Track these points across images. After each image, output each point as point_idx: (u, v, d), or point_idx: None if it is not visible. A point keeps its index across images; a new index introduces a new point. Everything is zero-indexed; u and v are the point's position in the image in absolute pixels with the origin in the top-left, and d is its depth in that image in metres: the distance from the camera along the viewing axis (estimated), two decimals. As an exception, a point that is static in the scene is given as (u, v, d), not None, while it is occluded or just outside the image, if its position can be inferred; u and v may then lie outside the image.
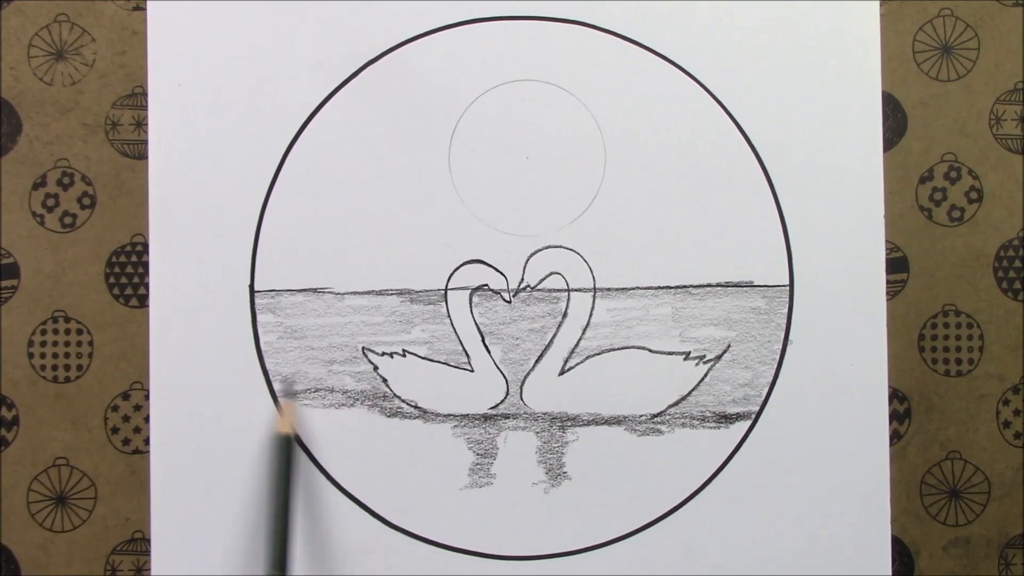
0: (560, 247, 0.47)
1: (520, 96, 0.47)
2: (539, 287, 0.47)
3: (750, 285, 0.47)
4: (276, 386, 0.46)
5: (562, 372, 0.47)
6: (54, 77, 0.48)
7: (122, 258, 0.47)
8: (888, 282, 0.47)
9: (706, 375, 0.47)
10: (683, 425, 0.47)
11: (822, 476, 0.46)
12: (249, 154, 0.47)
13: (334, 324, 0.47)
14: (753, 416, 0.47)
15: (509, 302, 0.47)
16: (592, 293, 0.47)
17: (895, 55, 0.48)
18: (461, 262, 0.47)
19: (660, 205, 0.47)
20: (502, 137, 0.47)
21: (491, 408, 0.47)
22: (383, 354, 0.47)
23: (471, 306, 0.47)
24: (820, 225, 0.47)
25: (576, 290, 0.47)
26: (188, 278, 0.47)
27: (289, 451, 0.45)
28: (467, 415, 0.47)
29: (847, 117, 0.47)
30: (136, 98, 0.48)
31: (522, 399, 0.47)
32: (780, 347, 0.47)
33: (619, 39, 0.47)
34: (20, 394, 0.47)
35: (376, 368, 0.47)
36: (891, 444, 0.47)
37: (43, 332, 0.47)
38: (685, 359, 0.47)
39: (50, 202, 0.48)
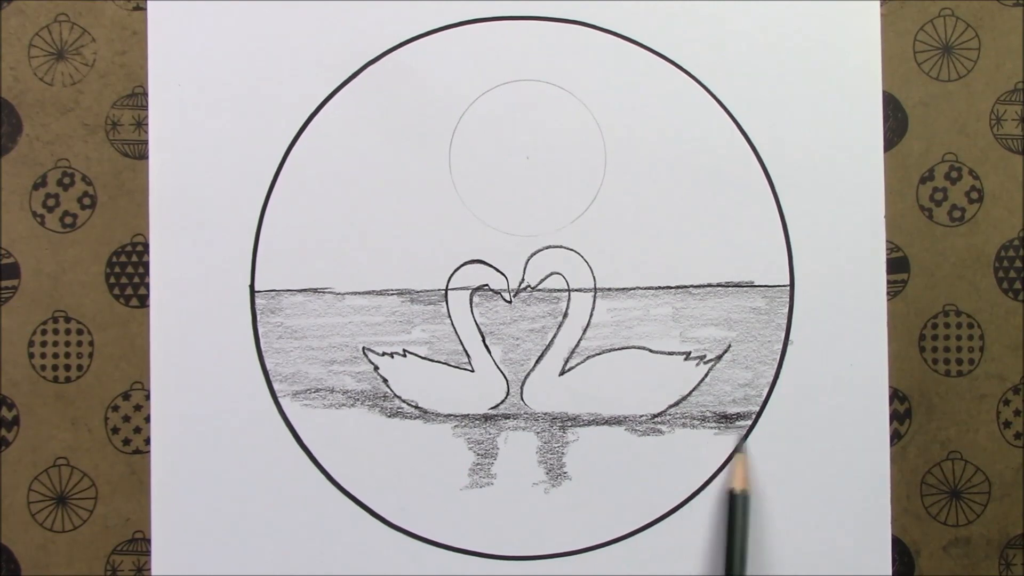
0: (560, 247, 0.47)
1: (520, 96, 0.47)
2: (539, 287, 0.47)
3: (750, 285, 0.47)
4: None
5: (562, 372, 0.47)
6: (54, 77, 0.48)
7: (122, 258, 0.47)
8: (888, 282, 0.47)
9: (706, 375, 0.47)
10: (683, 425, 0.47)
11: (822, 476, 0.46)
12: (249, 154, 0.47)
13: (334, 324, 0.47)
14: (753, 416, 0.47)
15: (509, 302, 0.47)
16: (592, 293, 0.47)
17: (895, 55, 0.48)
18: (461, 262, 0.47)
19: (660, 205, 0.47)
20: (502, 137, 0.47)
21: (491, 408, 0.47)
22: (383, 354, 0.47)
23: (471, 306, 0.47)
24: (820, 225, 0.47)
25: (576, 290, 0.47)
26: (188, 278, 0.47)
27: (746, 509, 0.45)
28: (467, 415, 0.47)
29: (847, 117, 0.47)
30: (136, 98, 0.48)
31: (522, 399, 0.47)
32: (780, 347, 0.47)
33: (619, 39, 0.47)
34: (20, 394, 0.47)
35: (376, 368, 0.47)
36: (891, 444, 0.47)
37: (43, 332, 0.47)
38: (685, 359, 0.47)
39: (50, 202, 0.48)
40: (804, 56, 0.47)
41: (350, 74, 0.47)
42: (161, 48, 0.47)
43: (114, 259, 0.47)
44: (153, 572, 0.46)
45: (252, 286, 0.47)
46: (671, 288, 0.47)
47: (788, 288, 0.47)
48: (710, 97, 0.47)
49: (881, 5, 0.47)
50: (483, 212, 0.47)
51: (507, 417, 0.47)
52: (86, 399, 0.47)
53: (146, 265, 0.47)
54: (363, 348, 0.47)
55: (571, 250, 0.47)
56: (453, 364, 0.47)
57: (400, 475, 0.47)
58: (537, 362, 0.47)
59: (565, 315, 0.47)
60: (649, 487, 0.47)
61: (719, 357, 0.47)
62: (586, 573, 0.46)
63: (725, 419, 0.47)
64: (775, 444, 0.47)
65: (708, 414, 0.47)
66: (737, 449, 0.46)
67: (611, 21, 0.47)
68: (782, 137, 0.47)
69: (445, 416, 0.47)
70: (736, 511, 0.44)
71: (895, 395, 0.47)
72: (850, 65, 0.47)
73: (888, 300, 0.47)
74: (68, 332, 0.47)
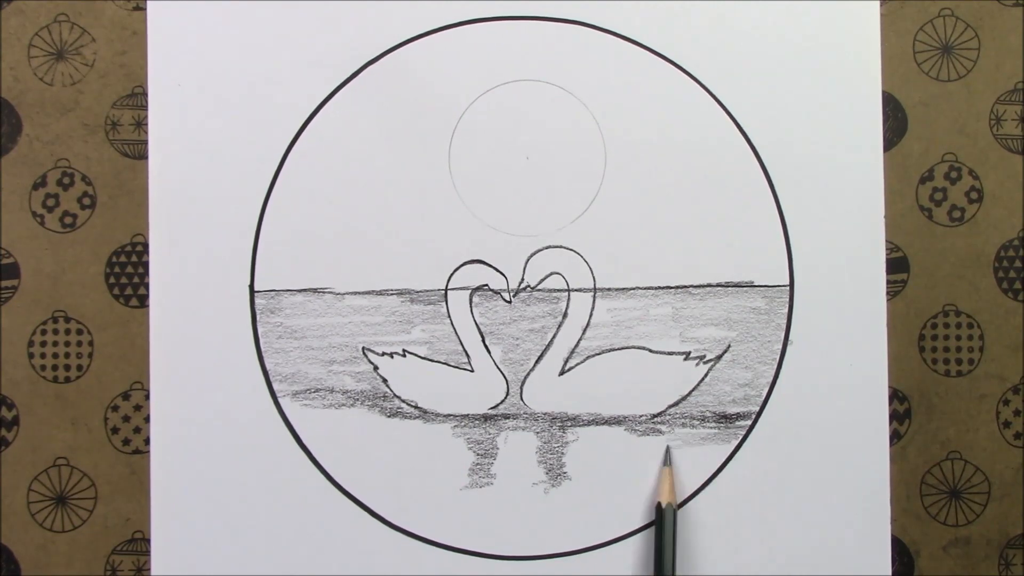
0: (560, 247, 0.47)
1: (520, 96, 0.47)
2: (539, 287, 0.47)
3: (750, 285, 0.47)
4: (663, 455, 0.46)
5: (562, 372, 0.47)
6: (54, 77, 0.48)
7: (122, 258, 0.47)
8: (888, 282, 0.47)
9: (706, 375, 0.47)
10: (683, 425, 0.47)
11: (822, 476, 0.46)
12: (249, 154, 0.47)
13: (334, 324, 0.47)
14: (753, 416, 0.47)
15: (509, 302, 0.47)
16: (592, 293, 0.47)
17: (895, 55, 0.48)
18: (461, 262, 0.47)
19: (660, 205, 0.47)
20: (502, 137, 0.47)
21: (491, 408, 0.47)
22: (383, 354, 0.47)
23: (471, 306, 0.47)
24: (820, 225, 0.47)
25: (576, 290, 0.47)
26: (188, 278, 0.47)
27: (673, 522, 0.45)
28: (467, 415, 0.47)
29: (847, 117, 0.47)
30: (136, 98, 0.48)
31: (522, 399, 0.47)
32: (780, 347, 0.47)
33: (619, 39, 0.47)
34: (20, 394, 0.47)
35: (376, 368, 0.47)
36: (891, 444, 0.47)
37: (43, 332, 0.47)
38: (685, 359, 0.47)
39: (50, 202, 0.48)
40: (804, 56, 0.47)
41: (350, 74, 0.47)
42: (161, 48, 0.47)
43: (114, 259, 0.47)
44: (153, 572, 0.46)
45: (252, 286, 0.47)
46: (671, 288, 0.47)
47: (788, 288, 0.47)
48: (710, 97, 0.47)
49: (881, 5, 0.47)
50: (483, 212, 0.47)
51: (507, 417, 0.47)
52: (86, 399, 0.47)
53: (146, 265, 0.47)
54: (363, 348, 0.47)
55: (571, 250, 0.47)
56: (453, 364, 0.47)
57: (400, 475, 0.47)
58: (537, 362, 0.47)
59: (565, 315, 0.47)
60: (649, 487, 0.47)
61: (719, 357, 0.47)
62: (586, 573, 0.46)
63: (725, 419, 0.47)
64: (775, 444, 0.47)
65: (708, 414, 0.47)
66: (665, 463, 0.46)
67: (611, 21, 0.47)
68: (782, 137, 0.47)
69: (445, 416, 0.47)
70: (664, 523, 0.45)
71: (895, 395, 0.47)
72: (850, 65, 0.47)
73: (888, 300, 0.47)
74: (68, 332, 0.47)
